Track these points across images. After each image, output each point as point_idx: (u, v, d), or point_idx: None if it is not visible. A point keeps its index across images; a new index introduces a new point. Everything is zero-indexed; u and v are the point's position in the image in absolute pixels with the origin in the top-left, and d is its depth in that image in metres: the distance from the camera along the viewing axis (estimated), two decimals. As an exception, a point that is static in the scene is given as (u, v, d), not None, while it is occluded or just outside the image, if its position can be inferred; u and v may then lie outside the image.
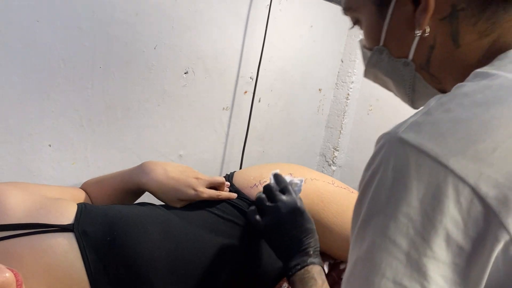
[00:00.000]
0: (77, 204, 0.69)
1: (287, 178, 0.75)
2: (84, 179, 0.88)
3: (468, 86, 0.39)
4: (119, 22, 0.85)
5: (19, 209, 0.63)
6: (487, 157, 0.33)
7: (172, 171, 0.78)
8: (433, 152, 0.34)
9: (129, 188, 0.79)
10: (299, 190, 0.75)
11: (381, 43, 0.49)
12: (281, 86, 1.32)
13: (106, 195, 0.81)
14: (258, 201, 0.71)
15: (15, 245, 0.60)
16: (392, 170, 0.36)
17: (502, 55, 0.42)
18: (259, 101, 1.26)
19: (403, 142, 0.36)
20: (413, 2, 0.44)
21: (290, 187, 0.73)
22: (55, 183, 0.85)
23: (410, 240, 0.34)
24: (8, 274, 0.52)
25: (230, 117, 1.19)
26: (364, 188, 0.39)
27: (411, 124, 0.37)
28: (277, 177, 0.75)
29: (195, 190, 0.76)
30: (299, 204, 0.69)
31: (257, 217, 0.69)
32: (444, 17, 0.44)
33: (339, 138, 1.59)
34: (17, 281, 0.54)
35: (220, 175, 1.23)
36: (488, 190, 0.33)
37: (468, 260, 0.34)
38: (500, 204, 0.33)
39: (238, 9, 1.09)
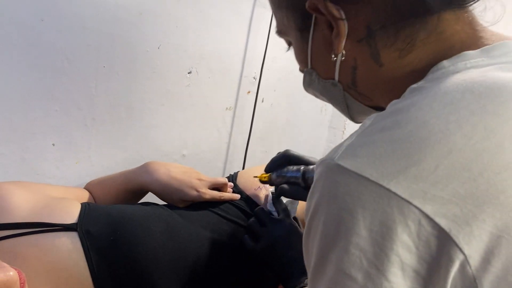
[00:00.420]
0: (81, 203, 0.69)
1: (283, 200, 0.76)
2: (87, 178, 0.88)
3: (402, 103, 0.37)
4: (123, 22, 0.85)
5: (23, 208, 0.64)
6: (430, 176, 0.31)
7: (175, 171, 0.78)
8: (373, 176, 0.32)
9: (132, 188, 0.80)
10: (294, 212, 0.76)
11: (309, 65, 0.50)
12: (285, 86, 1.31)
13: (109, 195, 0.81)
14: (250, 227, 0.72)
15: (19, 244, 0.60)
16: (335, 200, 0.34)
17: (434, 68, 0.40)
18: (262, 101, 1.26)
19: (342, 169, 0.34)
20: (329, 27, 0.44)
21: (282, 207, 0.73)
22: (58, 182, 0.85)
23: (364, 272, 0.33)
24: (12, 273, 0.52)
25: (233, 117, 1.19)
26: (311, 221, 0.38)
27: (347, 148, 0.35)
28: (270, 198, 0.75)
29: (198, 191, 0.76)
30: (293, 224, 0.69)
31: (252, 242, 0.70)
32: (361, 38, 0.43)
33: (342, 138, 1.59)
34: (20, 279, 0.54)
35: (223, 175, 1.23)
36: (435, 210, 0.31)
37: (426, 285, 0.32)
38: (450, 222, 0.31)
39: (241, 8, 1.08)
